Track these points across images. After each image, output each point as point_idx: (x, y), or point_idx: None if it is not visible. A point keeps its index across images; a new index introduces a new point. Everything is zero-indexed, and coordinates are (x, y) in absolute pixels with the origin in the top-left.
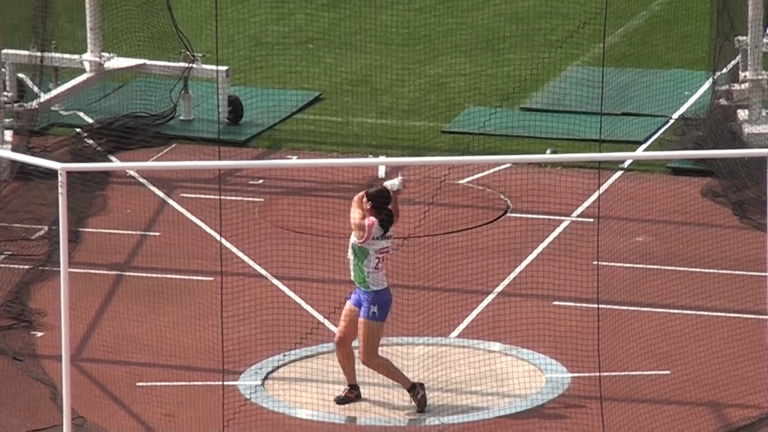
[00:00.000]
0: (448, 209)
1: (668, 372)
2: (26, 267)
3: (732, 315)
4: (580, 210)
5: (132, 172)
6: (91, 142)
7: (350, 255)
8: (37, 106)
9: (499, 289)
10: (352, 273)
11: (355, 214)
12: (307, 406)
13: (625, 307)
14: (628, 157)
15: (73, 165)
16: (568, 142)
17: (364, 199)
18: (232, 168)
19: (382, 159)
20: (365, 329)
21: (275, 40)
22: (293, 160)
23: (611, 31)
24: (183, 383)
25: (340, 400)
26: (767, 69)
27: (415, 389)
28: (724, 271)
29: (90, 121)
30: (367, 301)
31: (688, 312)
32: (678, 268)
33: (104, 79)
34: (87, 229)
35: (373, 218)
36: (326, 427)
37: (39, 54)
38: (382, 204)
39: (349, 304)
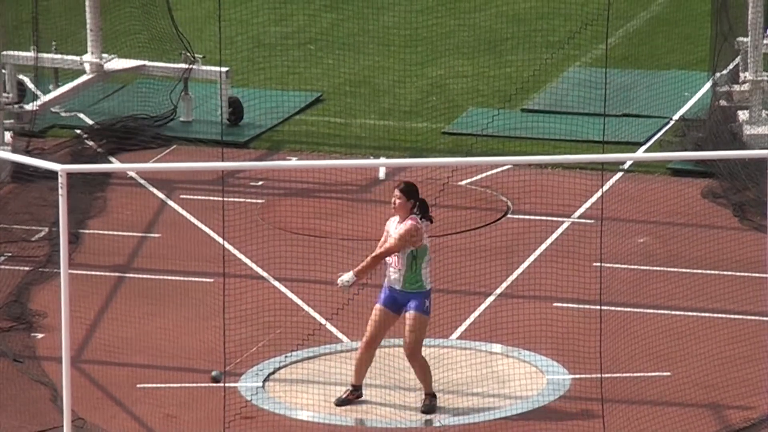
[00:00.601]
0: (449, 210)
1: (669, 373)
2: (26, 268)
3: (733, 316)
4: (580, 211)
5: (132, 174)
6: (91, 143)
7: (402, 265)
8: (37, 108)
9: (500, 290)
10: (401, 282)
11: (394, 239)
12: (308, 407)
13: (626, 309)
14: (628, 158)
15: (73, 166)
16: (569, 143)
17: (398, 194)
18: (232, 169)
19: (383, 160)
20: (418, 323)
21: (276, 41)
22: (294, 162)
23: (611, 33)
24: (184, 385)
25: (341, 402)
26: (767, 70)
27: (431, 396)
28: (725, 273)
29: (90, 122)
30: (420, 296)
31: (689, 313)
32: (678, 270)
33: (104, 81)
34: (87, 231)
35: (415, 217)
36: (327, 429)
37: (34, 55)
38: (417, 194)
39: (379, 308)
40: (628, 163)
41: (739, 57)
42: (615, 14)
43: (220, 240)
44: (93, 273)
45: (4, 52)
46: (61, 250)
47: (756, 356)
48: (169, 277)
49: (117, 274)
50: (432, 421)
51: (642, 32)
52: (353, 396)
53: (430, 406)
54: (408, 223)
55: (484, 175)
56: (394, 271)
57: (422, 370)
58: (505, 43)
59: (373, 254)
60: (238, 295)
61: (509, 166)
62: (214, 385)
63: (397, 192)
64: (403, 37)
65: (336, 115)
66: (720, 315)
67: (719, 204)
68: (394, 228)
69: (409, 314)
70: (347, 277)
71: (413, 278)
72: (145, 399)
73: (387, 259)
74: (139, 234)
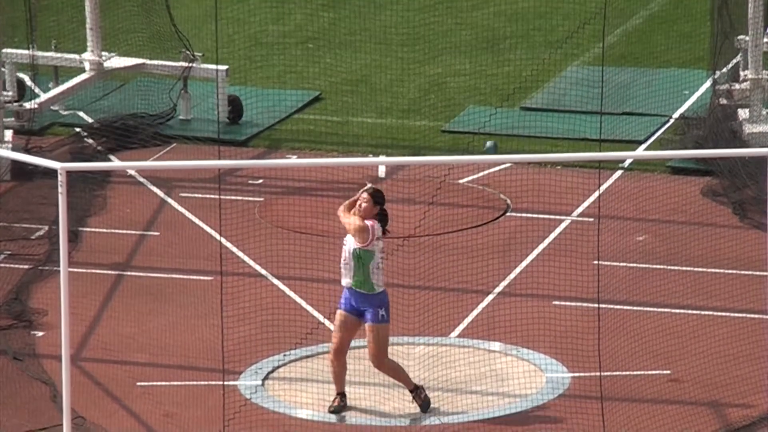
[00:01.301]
0: (448, 209)
1: (669, 372)
2: (26, 266)
3: (732, 315)
4: (580, 209)
5: (132, 172)
6: (90, 141)
7: (349, 261)
8: (36, 106)
9: (499, 288)
10: (350, 279)
11: (352, 219)
12: (307, 406)
13: (626, 307)
14: (628, 156)
15: (73, 164)
16: (568, 141)
17: (366, 197)
18: (231, 167)
19: (382, 159)
20: (377, 333)
21: (274, 39)
22: (293, 160)
23: (611, 31)
24: (183, 383)
25: (336, 410)
26: (767, 68)
27: (418, 390)
28: (725, 271)
29: (90, 120)
30: (372, 305)
31: (689, 312)
32: (678, 268)
33: (104, 79)
34: (87, 229)
35: (374, 221)
36: (326, 428)
37: (30, 53)
38: (382, 201)
39: (341, 313)
40: (628, 161)
41: (739, 55)
42: (614, 13)
43: (219, 238)
44: (92, 271)
45: (4, 50)
46: (60, 248)
47: (756, 354)
48: (169, 275)
49: (116, 272)
50: (417, 420)
51: (641, 30)
52: (343, 402)
53: (423, 400)
54: (368, 221)
55: (483, 173)
56: (344, 265)
57: (394, 372)
58: (504, 41)
59: (345, 209)
60: (237, 293)
61: (508, 165)
62: (214, 383)
63: (365, 195)
64: (402, 35)
65: (335, 113)
66: (720, 313)
67: (719, 202)
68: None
69: (367, 326)
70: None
71: (361, 279)
72: (145, 397)
73: (343, 251)
74: (139, 232)
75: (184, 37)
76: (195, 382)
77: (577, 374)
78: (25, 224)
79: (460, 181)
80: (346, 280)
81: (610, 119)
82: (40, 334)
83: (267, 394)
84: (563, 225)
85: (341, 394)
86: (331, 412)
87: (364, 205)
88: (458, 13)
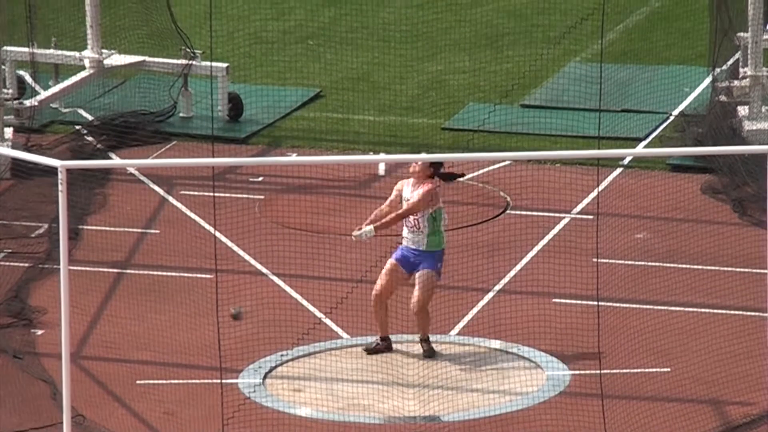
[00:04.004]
0: (448, 206)
1: (669, 369)
2: (26, 265)
3: (732, 312)
4: (580, 207)
5: (132, 170)
6: (91, 139)
7: (426, 227)
8: (36, 104)
9: (499, 286)
10: (423, 244)
11: (419, 191)
12: (308, 404)
13: (626, 305)
14: (627, 153)
15: (73, 162)
16: (568, 138)
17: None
18: (231, 165)
19: (382, 156)
20: (430, 281)
21: (275, 37)
22: (293, 158)
23: (610, 28)
24: (183, 381)
25: (371, 351)
26: (767, 65)
27: (427, 340)
28: (724, 268)
29: (90, 118)
30: (433, 259)
31: (689, 309)
32: (678, 265)
33: (104, 76)
34: (87, 227)
35: (433, 181)
36: (327, 426)
37: (30, 51)
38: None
39: (392, 262)
40: (628, 158)
41: (739, 52)
42: (614, 9)
43: (218, 236)
44: (93, 269)
45: (4, 48)
46: (60, 246)
47: (756, 352)
48: (169, 273)
49: (117, 270)
50: (417, 419)
51: (641, 27)
52: (382, 345)
53: (430, 350)
54: (427, 186)
55: (483, 171)
56: (415, 233)
57: (426, 319)
58: (503, 38)
59: (397, 212)
60: (237, 290)
61: (508, 162)
62: (214, 381)
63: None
64: (403, 32)
65: (335, 110)
66: (720, 311)
67: (719, 199)
68: (411, 191)
69: (422, 272)
70: (367, 229)
71: (435, 239)
72: (145, 396)
73: (409, 220)
74: (139, 230)
75: (184, 35)
76: (195, 381)
77: (577, 372)
78: (25, 222)
79: (461, 179)
80: (417, 245)
81: (610, 116)
82: (40, 332)
83: (267, 393)
84: (563, 222)
85: (384, 338)
86: (365, 349)
87: (417, 167)
88: (458, 10)
